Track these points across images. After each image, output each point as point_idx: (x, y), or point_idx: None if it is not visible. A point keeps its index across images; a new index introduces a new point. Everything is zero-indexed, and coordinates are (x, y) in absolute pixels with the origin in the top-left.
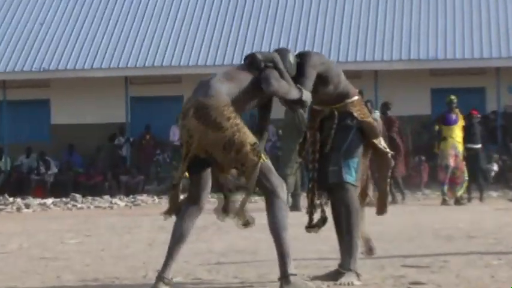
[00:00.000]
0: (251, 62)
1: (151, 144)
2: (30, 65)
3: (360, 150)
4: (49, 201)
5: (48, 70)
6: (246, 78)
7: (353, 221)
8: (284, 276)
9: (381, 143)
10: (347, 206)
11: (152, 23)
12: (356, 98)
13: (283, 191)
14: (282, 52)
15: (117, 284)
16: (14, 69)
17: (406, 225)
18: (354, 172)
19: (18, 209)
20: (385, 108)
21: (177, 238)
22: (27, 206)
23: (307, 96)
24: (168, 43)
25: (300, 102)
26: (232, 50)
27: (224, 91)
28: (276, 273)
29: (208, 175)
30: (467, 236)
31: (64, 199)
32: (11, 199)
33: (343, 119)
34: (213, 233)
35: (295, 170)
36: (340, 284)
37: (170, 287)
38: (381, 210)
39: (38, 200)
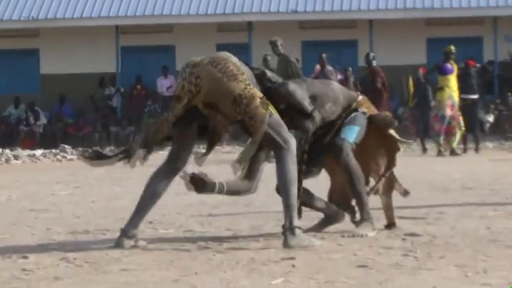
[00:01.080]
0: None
1: (143, 95)
2: (19, 14)
3: (363, 124)
4: (38, 152)
5: (37, 19)
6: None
7: (355, 178)
8: (290, 228)
9: (394, 132)
10: (346, 165)
11: None
12: (360, 97)
13: (293, 145)
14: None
15: (108, 236)
16: (2, 18)
17: (401, 176)
18: (355, 135)
19: (7, 161)
20: (368, 58)
21: (148, 196)
22: (16, 157)
23: (317, 113)
24: None
25: (310, 116)
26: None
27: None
28: (269, 225)
29: (193, 138)
30: (462, 187)
31: (53, 150)
32: None
33: (349, 111)
34: None
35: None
36: (354, 235)
37: (134, 242)
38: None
39: (27, 151)
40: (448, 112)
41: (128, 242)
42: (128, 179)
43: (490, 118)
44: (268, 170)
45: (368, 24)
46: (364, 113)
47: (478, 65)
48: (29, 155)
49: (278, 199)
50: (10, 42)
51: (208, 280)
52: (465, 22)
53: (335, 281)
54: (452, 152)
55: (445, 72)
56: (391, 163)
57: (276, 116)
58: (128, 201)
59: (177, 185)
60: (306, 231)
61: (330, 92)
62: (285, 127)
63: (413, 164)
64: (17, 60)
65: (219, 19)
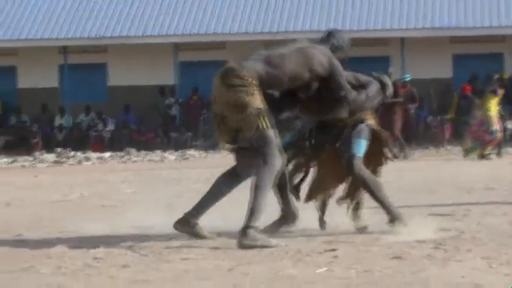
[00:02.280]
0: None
1: (199, 105)
2: (89, 32)
3: (368, 137)
4: (106, 155)
5: (105, 37)
6: (291, 66)
7: (374, 189)
8: (245, 228)
9: (388, 153)
10: (361, 180)
11: None
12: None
13: (277, 161)
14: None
15: (171, 231)
16: (74, 36)
17: (431, 178)
18: (363, 150)
19: (79, 162)
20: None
21: (213, 192)
22: (87, 159)
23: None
24: (213, 11)
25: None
26: (273, 18)
27: (255, 67)
28: (315, 220)
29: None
30: (486, 188)
31: (120, 153)
32: (72, 153)
33: (356, 125)
34: None
35: None
36: (392, 232)
37: (191, 229)
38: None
39: (97, 154)
40: (498, 126)
41: (184, 228)
42: (187, 179)
43: (509, 125)
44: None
45: (400, 42)
46: (368, 125)
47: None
48: (98, 157)
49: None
50: (82, 57)
51: (259, 269)
52: (487, 40)
53: (372, 270)
54: (482, 156)
55: (496, 94)
56: (375, 174)
57: (267, 131)
58: (187, 200)
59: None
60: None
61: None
62: (275, 143)
63: (440, 167)
64: (88, 73)
65: (265, 37)
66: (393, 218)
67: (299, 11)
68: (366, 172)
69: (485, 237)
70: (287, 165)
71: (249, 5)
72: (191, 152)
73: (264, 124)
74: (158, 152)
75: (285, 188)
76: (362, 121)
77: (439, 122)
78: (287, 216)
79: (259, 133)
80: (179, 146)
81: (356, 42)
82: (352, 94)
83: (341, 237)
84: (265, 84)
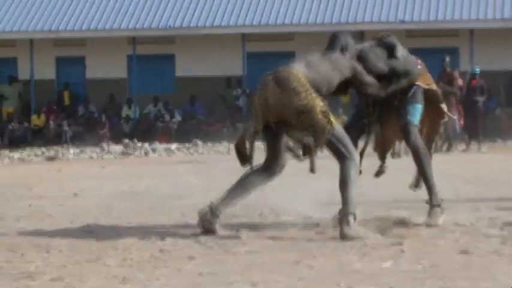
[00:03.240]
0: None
1: None
2: (157, 23)
3: (422, 100)
4: (173, 146)
5: (173, 27)
6: (328, 69)
7: (425, 161)
8: (344, 215)
9: (445, 107)
10: (415, 147)
11: None
12: (419, 67)
13: (356, 155)
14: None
15: (234, 221)
16: (143, 27)
17: (499, 171)
18: (418, 115)
19: (146, 153)
20: (443, 63)
21: (241, 186)
22: (154, 151)
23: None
24: (281, 2)
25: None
26: (341, 9)
27: (303, 71)
28: (380, 213)
29: (282, 145)
30: None
31: (187, 144)
32: (139, 144)
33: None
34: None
35: None
36: (427, 225)
37: (216, 219)
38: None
39: (164, 145)
40: None
41: (210, 218)
42: None
43: None
44: (376, 165)
45: (469, 33)
46: (420, 86)
47: None
48: (165, 149)
49: (386, 191)
50: (150, 48)
51: (325, 263)
52: None
53: (440, 265)
54: None
55: None
56: (436, 129)
57: (338, 127)
58: (255, 191)
59: (298, 177)
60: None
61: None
62: (348, 138)
63: (507, 160)
64: (155, 63)
65: (333, 28)
66: (433, 203)
67: (368, 2)
68: (420, 142)
69: None
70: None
71: None
72: (258, 143)
73: (334, 122)
74: (225, 143)
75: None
76: (412, 85)
77: (508, 115)
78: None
79: (333, 134)
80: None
81: (425, 33)
82: (377, 88)
83: (408, 230)
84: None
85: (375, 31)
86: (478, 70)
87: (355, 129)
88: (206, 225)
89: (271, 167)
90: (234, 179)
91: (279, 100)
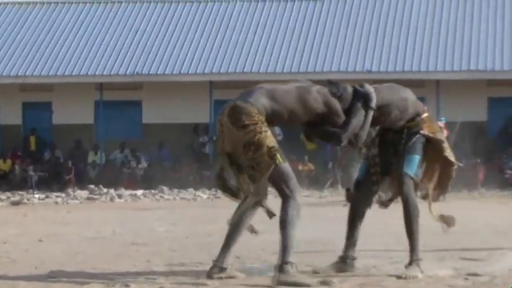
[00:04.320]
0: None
1: None
2: (125, 69)
3: (421, 150)
4: (139, 192)
5: (141, 74)
6: (292, 102)
7: (412, 213)
8: (281, 264)
9: (451, 155)
10: (405, 199)
11: (235, 32)
12: (426, 115)
13: (299, 195)
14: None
15: (200, 269)
16: (110, 73)
17: (464, 221)
18: (415, 167)
19: (111, 199)
20: None
21: (233, 227)
22: (120, 196)
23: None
24: (249, 51)
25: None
26: (309, 58)
27: (261, 103)
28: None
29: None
30: None
31: (153, 191)
32: (105, 190)
33: (412, 131)
34: None
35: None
36: (406, 278)
37: (223, 273)
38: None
39: (129, 191)
40: None
41: (217, 274)
42: (219, 217)
43: None
44: (343, 213)
45: (435, 84)
46: (423, 135)
47: None
48: (131, 195)
49: (359, 240)
50: (118, 94)
51: None
52: None
53: None
54: None
55: None
56: (444, 188)
57: (285, 165)
58: (219, 237)
59: (261, 223)
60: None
61: (399, 101)
62: (294, 178)
63: (475, 209)
64: (122, 110)
65: (302, 77)
66: (413, 258)
67: (335, 52)
68: (413, 197)
69: None
70: (375, 192)
71: (284, 44)
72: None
73: (281, 159)
74: (191, 190)
75: (357, 227)
76: (417, 131)
77: (473, 165)
78: (341, 263)
79: (276, 170)
80: (212, 184)
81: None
82: (348, 132)
83: (369, 279)
84: (267, 119)
85: (342, 80)
86: (443, 120)
87: (367, 182)
88: (227, 280)
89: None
90: (199, 225)
91: (231, 133)
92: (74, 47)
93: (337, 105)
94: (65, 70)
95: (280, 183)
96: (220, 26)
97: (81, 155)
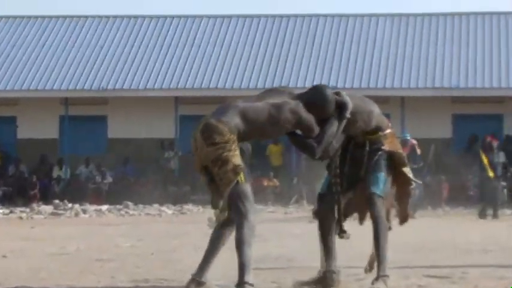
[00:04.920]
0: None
1: None
2: (90, 84)
3: (385, 167)
4: (104, 207)
5: (106, 89)
6: (264, 122)
7: (381, 232)
8: (239, 284)
9: (410, 172)
10: (375, 218)
11: (201, 48)
12: (388, 131)
13: (253, 216)
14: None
15: (165, 285)
16: (76, 88)
17: (428, 238)
18: (382, 184)
19: (76, 214)
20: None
21: (212, 245)
22: (84, 212)
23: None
24: (214, 67)
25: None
26: (272, 75)
27: (234, 123)
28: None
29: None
30: (483, 250)
31: (118, 206)
32: (70, 205)
33: (374, 146)
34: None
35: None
36: None
37: (203, 286)
38: (403, 220)
39: (94, 207)
40: None
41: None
42: (184, 233)
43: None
44: (306, 229)
45: (400, 100)
46: (385, 151)
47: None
48: (95, 210)
49: (320, 255)
50: (83, 109)
51: None
52: (487, 101)
53: None
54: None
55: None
56: (405, 206)
57: (245, 186)
58: (184, 254)
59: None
60: None
61: (364, 110)
62: (251, 198)
63: (438, 227)
64: (88, 124)
65: None
66: (380, 274)
67: (300, 67)
68: (383, 215)
69: None
70: (338, 208)
71: (250, 60)
72: (189, 206)
73: (242, 179)
74: (156, 205)
75: (331, 241)
76: (379, 148)
77: (437, 182)
78: (324, 279)
79: (236, 188)
80: (177, 200)
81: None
82: (322, 146)
83: None
84: (239, 136)
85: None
86: (408, 136)
87: (330, 195)
88: None
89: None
90: (164, 241)
91: (202, 148)
92: (39, 62)
93: (310, 121)
94: (30, 84)
95: (237, 201)
96: (186, 42)
97: (45, 170)
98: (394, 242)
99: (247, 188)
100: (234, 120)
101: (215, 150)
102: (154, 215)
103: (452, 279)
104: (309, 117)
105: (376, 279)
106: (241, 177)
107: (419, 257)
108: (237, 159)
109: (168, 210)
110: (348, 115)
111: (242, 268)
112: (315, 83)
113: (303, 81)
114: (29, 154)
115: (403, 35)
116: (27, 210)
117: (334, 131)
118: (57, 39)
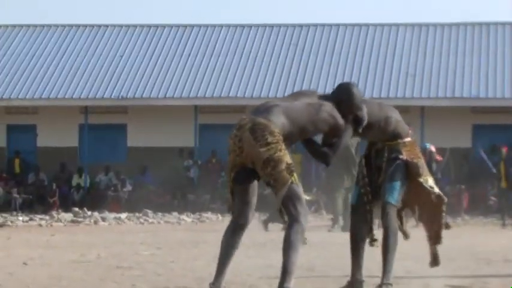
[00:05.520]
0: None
1: (217, 167)
2: (110, 93)
3: (403, 175)
4: (123, 215)
5: (126, 98)
6: (304, 122)
7: (391, 241)
8: None
9: (428, 182)
10: (386, 227)
11: (220, 57)
12: (408, 139)
13: (305, 220)
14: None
15: None
16: (95, 96)
17: (449, 248)
18: (396, 194)
19: (96, 222)
20: None
21: (224, 252)
22: (104, 220)
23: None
24: (234, 76)
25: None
26: (292, 84)
27: (280, 122)
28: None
29: (253, 190)
30: (504, 260)
31: (137, 214)
32: (89, 213)
33: (392, 155)
34: (271, 249)
35: (344, 195)
36: None
37: None
38: (436, 241)
39: (114, 214)
40: None
41: None
42: (203, 242)
43: None
44: (325, 238)
45: (420, 110)
46: (402, 160)
47: None
48: (115, 218)
49: (340, 264)
50: (103, 117)
51: None
52: (506, 111)
53: None
54: None
55: None
56: (438, 221)
57: (297, 186)
58: (204, 262)
59: (248, 248)
60: None
61: (381, 117)
62: (303, 201)
63: (458, 236)
64: (107, 133)
65: None
66: (383, 282)
67: (320, 76)
68: (394, 225)
69: None
70: (370, 218)
71: (270, 69)
72: (208, 214)
73: (295, 180)
74: (175, 213)
75: (361, 248)
76: (397, 157)
77: (457, 192)
78: (353, 285)
79: (290, 189)
80: (196, 208)
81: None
82: (335, 154)
83: None
84: (284, 137)
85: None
86: (428, 145)
87: (361, 205)
88: None
89: (238, 220)
90: (184, 249)
91: (251, 148)
92: (59, 70)
93: (343, 125)
94: (50, 93)
95: (288, 203)
96: (206, 51)
97: (65, 178)
98: (414, 251)
99: (300, 190)
100: (281, 119)
101: (267, 150)
102: (173, 223)
103: None
104: (342, 122)
105: (380, 286)
106: (295, 176)
107: (439, 267)
108: (288, 158)
109: (187, 218)
110: (360, 130)
111: (284, 273)
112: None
113: (323, 90)
114: (48, 162)
115: (423, 45)
116: (47, 217)
117: (347, 140)
118: (77, 48)
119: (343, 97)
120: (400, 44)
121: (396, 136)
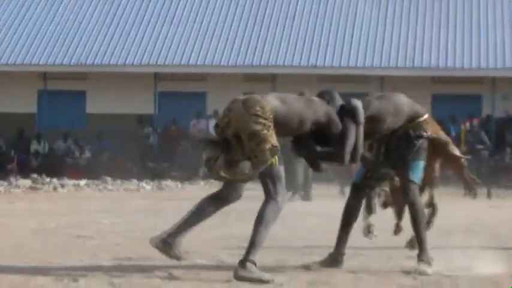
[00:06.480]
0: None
1: (177, 135)
2: (69, 59)
3: (425, 155)
4: (82, 182)
5: (85, 64)
6: (300, 108)
7: (419, 217)
8: (243, 260)
9: (455, 150)
10: (412, 204)
11: (180, 25)
12: (426, 116)
13: (282, 200)
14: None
15: (149, 263)
16: (54, 62)
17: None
18: (420, 173)
19: (55, 189)
20: None
21: (196, 215)
22: (63, 186)
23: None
24: (194, 43)
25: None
26: (254, 51)
27: (274, 103)
28: (293, 259)
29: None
30: (467, 231)
31: (96, 181)
32: (48, 179)
33: (415, 134)
34: (234, 219)
35: (304, 165)
36: (416, 271)
37: (169, 247)
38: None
39: (73, 181)
40: None
41: (161, 246)
42: (164, 210)
43: None
44: (296, 209)
45: (379, 80)
46: (428, 137)
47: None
48: (74, 185)
49: (301, 235)
50: (62, 83)
51: None
52: (466, 81)
53: None
54: None
55: None
56: (468, 181)
57: (279, 168)
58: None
59: (211, 219)
60: None
61: (389, 106)
62: (283, 182)
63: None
64: (66, 99)
65: (246, 70)
66: (422, 257)
67: (281, 45)
68: (419, 202)
69: (465, 284)
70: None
71: (230, 37)
72: (167, 182)
73: (277, 161)
74: (134, 181)
75: (351, 226)
76: (421, 135)
77: None
78: (334, 260)
79: (271, 169)
80: (155, 175)
81: (337, 78)
82: (347, 150)
83: (318, 275)
84: (277, 123)
85: (286, 74)
86: None
87: (363, 186)
88: (166, 254)
89: (225, 194)
90: (144, 218)
91: (240, 117)
92: (17, 36)
93: (339, 126)
94: (8, 59)
95: (268, 183)
96: (165, 18)
97: (23, 144)
98: (378, 222)
99: (281, 172)
100: (275, 101)
101: (255, 123)
102: (132, 191)
103: (437, 262)
104: (339, 122)
105: (419, 263)
106: (276, 159)
107: (401, 238)
108: (275, 140)
109: (147, 185)
110: (361, 120)
111: (250, 246)
112: (295, 61)
113: (283, 59)
114: (6, 128)
115: (383, 15)
116: (5, 184)
117: (354, 135)
118: (36, 14)
119: (327, 98)
120: (360, 14)
121: (415, 116)
